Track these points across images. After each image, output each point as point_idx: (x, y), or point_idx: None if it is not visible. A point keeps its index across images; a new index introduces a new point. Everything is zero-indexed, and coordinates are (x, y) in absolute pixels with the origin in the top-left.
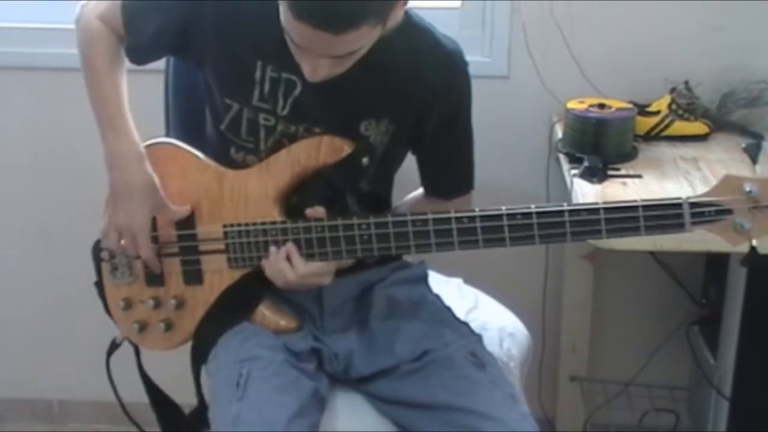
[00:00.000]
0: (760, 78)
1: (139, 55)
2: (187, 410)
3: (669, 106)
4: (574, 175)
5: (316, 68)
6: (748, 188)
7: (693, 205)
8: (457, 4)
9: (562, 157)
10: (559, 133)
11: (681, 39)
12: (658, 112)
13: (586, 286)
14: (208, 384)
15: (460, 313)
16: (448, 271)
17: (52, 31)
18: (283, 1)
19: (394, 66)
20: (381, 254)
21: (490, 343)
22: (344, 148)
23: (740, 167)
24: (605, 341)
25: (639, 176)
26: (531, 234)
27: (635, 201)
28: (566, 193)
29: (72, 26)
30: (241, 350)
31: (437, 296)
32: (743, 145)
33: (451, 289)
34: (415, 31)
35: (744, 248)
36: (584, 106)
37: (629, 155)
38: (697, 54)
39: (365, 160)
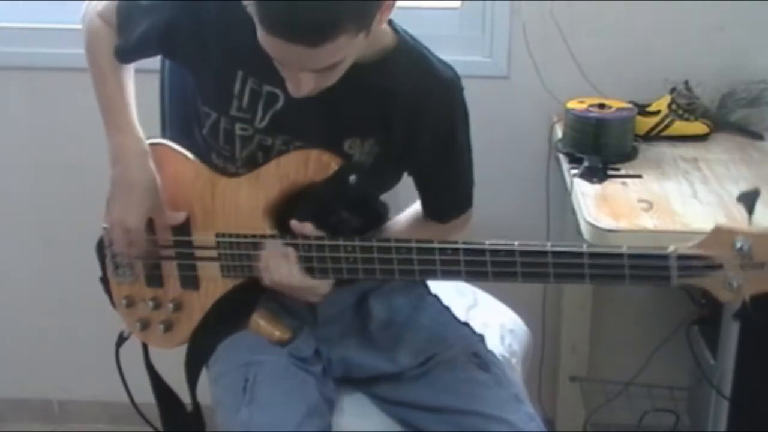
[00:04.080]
0: (760, 78)
1: (125, 54)
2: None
3: (669, 106)
4: (574, 175)
5: (299, 83)
6: (739, 244)
7: (681, 257)
8: (457, 4)
9: (562, 157)
10: (559, 133)
11: (681, 39)
12: (658, 112)
13: (586, 286)
14: (211, 390)
15: (460, 311)
16: None
17: (52, 31)
18: (256, 16)
19: (383, 88)
20: (366, 278)
21: (492, 339)
22: (331, 165)
23: (740, 167)
24: (605, 341)
25: (639, 176)
26: (514, 271)
27: (621, 248)
28: (566, 193)
29: (71, 26)
30: (243, 355)
31: (436, 296)
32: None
33: (448, 287)
34: (408, 55)
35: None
36: (584, 106)
37: (629, 155)
38: (697, 54)
39: (352, 178)
